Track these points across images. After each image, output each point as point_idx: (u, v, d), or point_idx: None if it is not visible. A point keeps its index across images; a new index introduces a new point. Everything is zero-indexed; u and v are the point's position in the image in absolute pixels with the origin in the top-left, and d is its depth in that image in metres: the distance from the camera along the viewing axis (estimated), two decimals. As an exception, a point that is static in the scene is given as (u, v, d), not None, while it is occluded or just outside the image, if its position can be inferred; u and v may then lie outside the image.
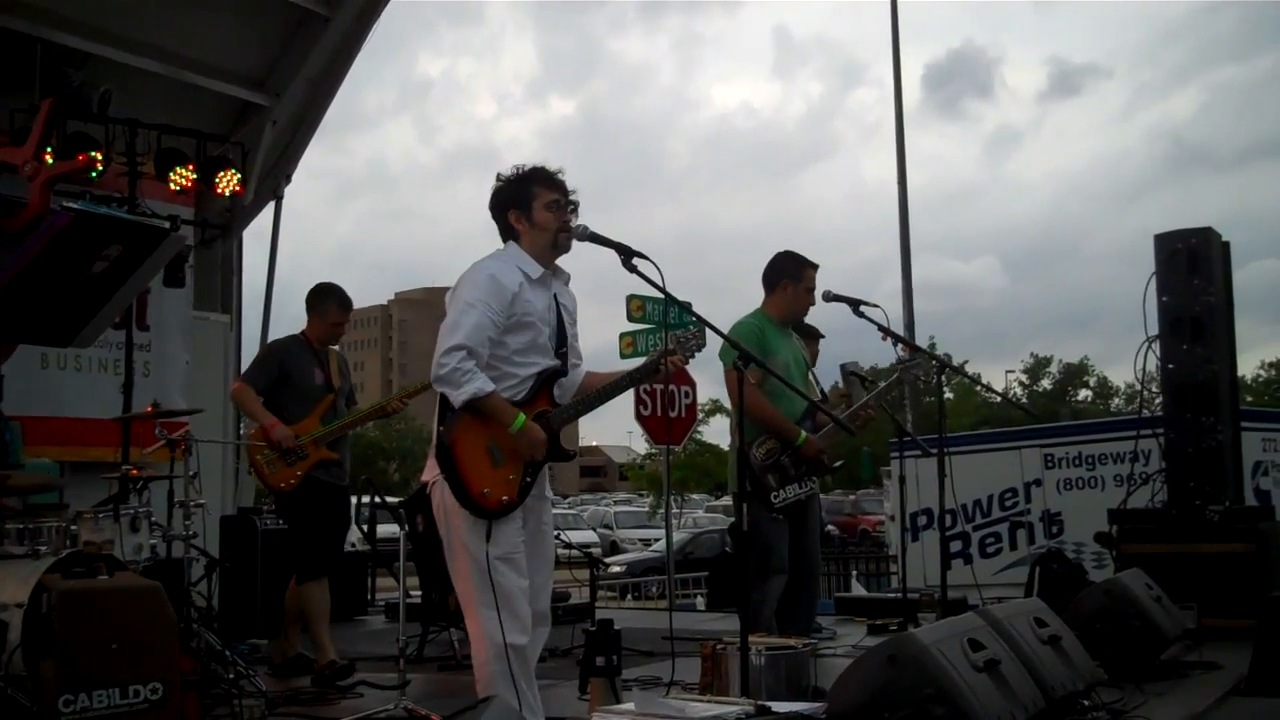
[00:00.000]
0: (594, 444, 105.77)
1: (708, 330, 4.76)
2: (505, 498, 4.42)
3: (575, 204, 4.72)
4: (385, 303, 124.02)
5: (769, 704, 4.12)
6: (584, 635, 5.39)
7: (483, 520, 4.38)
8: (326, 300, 7.18)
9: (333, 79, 10.79)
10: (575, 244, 4.65)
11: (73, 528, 5.84)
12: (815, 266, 6.71)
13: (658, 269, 4.48)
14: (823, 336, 7.98)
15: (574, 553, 8.81)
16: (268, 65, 10.52)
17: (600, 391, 4.73)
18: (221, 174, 9.45)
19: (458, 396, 4.33)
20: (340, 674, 6.73)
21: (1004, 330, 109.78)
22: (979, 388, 48.95)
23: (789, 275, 6.67)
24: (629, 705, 4.31)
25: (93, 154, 8.33)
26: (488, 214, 4.76)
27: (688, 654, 5.53)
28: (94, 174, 8.39)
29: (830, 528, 30.26)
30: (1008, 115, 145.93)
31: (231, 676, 5.74)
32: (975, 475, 10.20)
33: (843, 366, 6.87)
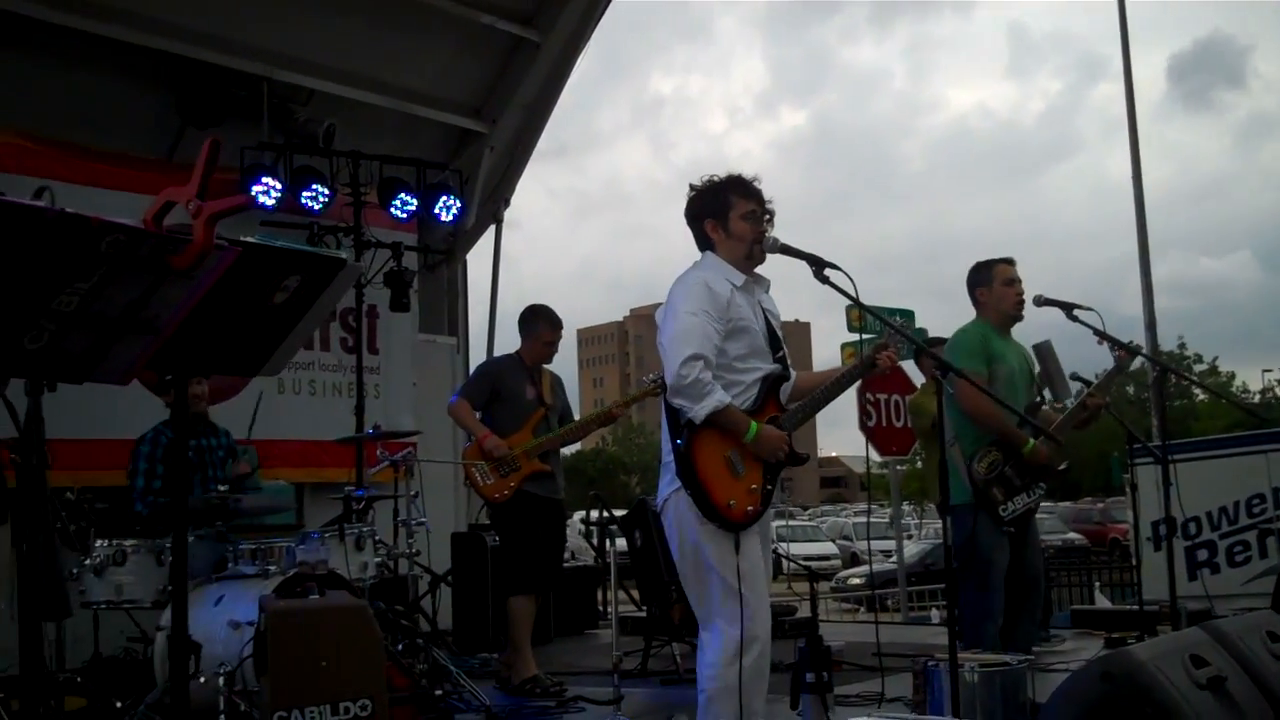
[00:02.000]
0: (833, 454, 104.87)
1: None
2: (750, 507, 4.39)
3: (771, 213, 4.66)
4: (621, 319, 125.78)
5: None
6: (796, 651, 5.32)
7: (730, 533, 4.35)
8: (536, 321, 7.28)
9: (546, 103, 10.99)
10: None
11: (301, 547, 6.09)
12: (1007, 261, 6.47)
13: (850, 279, 4.37)
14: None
15: (794, 565, 8.69)
16: (483, 93, 10.79)
17: (825, 391, 4.64)
18: (442, 200, 9.69)
19: (699, 410, 4.31)
20: (543, 689, 6.79)
21: (1260, 328, 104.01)
22: (1197, 388, 46.27)
23: (981, 283, 6.45)
24: (829, 723, 4.22)
25: (266, 184, 8.60)
26: None
27: (905, 670, 5.40)
28: (272, 204, 8.68)
29: (1075, 535, 29.22)
30: (1261, 103, 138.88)
31: (439, 692, 5.79)
32: (1220, 480, 9.66)
33: (1035, 347, 6.58)
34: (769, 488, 4.46)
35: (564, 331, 7.38)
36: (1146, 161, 19.17)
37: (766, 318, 4.66)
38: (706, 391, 4.30)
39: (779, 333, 4.73)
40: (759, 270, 4.68)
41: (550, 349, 7.34)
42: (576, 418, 7.51)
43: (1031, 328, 6.71)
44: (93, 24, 8.05)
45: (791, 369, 4.74)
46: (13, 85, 7.99)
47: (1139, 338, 13.90)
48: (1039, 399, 6.47)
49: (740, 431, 4.38)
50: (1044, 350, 6.41)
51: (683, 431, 4.38)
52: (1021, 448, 6.08)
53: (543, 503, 7.07)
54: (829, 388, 4.61)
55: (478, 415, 7.12)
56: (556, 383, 7.48)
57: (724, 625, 4.35)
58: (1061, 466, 6.40)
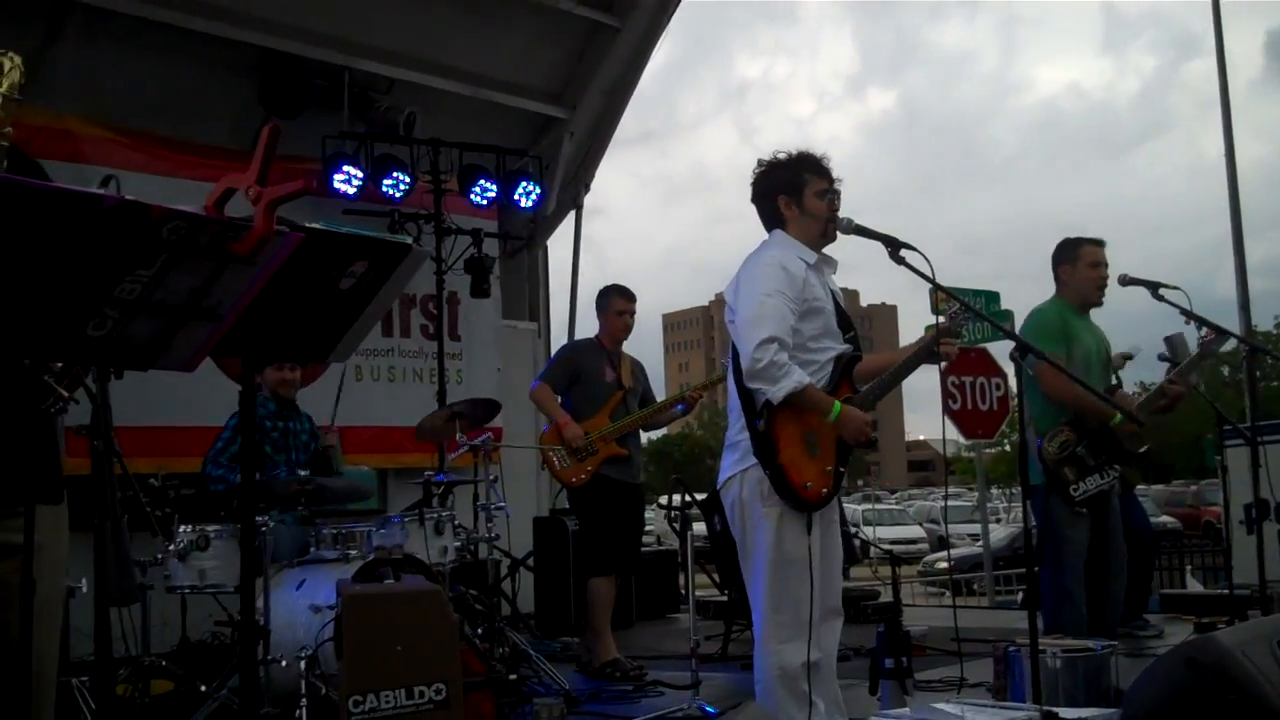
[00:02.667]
0: (920, 438, 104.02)
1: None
2: (825, 489, 4.37)
3: (838, 193, 4.61)
4: (706, 304, 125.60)
5: (1058, 709, 3.91)
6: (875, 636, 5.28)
7: (802, 514, 4.32)
8: (608, 296, 7.41)
9: (626, 88, 10.97)
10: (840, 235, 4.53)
11: (379, 532, 6.14)
12: (1095, 242, 6.36)
13: (926, 259, 4.30)
14: None
15: (873, 550, 8.61)
16: (563, 79, 10.79)
17: (891, 375, 4.58)
18: (522, 186, 9.71)
19: (777, 392, 4.26)
20: (623, 673, 6.81)
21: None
22: None
23: (1065, 260, 6.35)
24: (904, 710, 4.17)
25: (347, 173, 8.74)
26: None
27: (987, 655, 5.33)
28: (354, 192, 8.80)
29: (1167, 518, 28.68)
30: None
31: (514, 676, 5.80)
32: (1318, 462, 9.43)
33: (1168, 339, 6.44)
34: (841, 470, 4.42)
35: (650, 317, 7.39)
36: (1242, 140, 18.75)
37: (834, 298, 4.61)
38: (784, 373, 4.25)
39: (847, 313, 4.67)
40: (827, 250, 4.63)
41: (624, 319, 7.39)
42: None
43: (1116, 306, 6.59)
44: (179, 16, 8.16)
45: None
46: (97, 77, 8.11)
47: (1232, 319, 13.59)
48: (1115, 382, 6.36)
49: (823, 411, 4.33)
50: (1177, 343, 6.28)
51: (762, 412, 4.34)
52: (1108, 420, 5.97)
53: (620, 487, 7.15)
54: (894, 372, 4.55)
55: (558, 399, 7.17)
56: (637, 366, 7.54)
57: (778, 609, 4.33)
58: (1141, 449, 6.29)
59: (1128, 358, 6.58)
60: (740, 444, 4.46)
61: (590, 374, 7.24)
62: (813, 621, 4.24)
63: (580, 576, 7.66)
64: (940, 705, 4.20)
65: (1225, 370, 43.89)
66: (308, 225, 2.66)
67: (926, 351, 4.57)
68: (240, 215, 2.37)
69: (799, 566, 4.27)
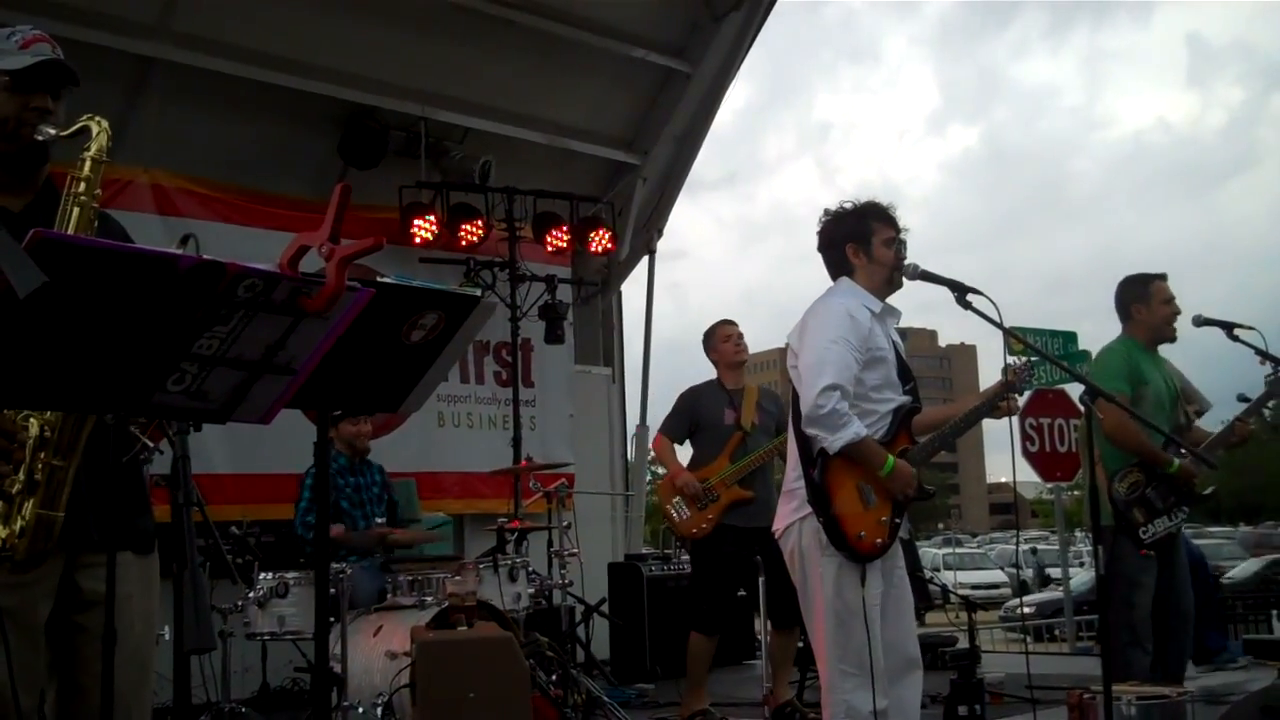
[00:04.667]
0: (1002, 480, 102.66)
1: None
2: (880, 540, 4.34)
3: (905, 242, 4.63)
4: (784, 345, 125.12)
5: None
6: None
7: (857, 565, 4.30)
8: (712, 331, 7.17)
9: (698, 132, 11.04)
10: (906, 282, 4.55)
11: (454, 579, 6.19)
12: (1162, 277, 6.29)
13: (994, 304, 4.29)
14: None
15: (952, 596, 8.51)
16: (635, 125, 10.89)
17: (953, 427, 4.61)
18: (595, 233, 9.79)
19: (835, 441, 4.27)
20: None
21: None
22: None
23: (1136, 299, 6.27)
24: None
25: (423, 222, 8.84)
26: None
27: (1060, 703, 5.26)
28: (430, 239, 8.88)
29: (1254, 561, 28.00)
30: None
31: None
32: None
33: (1270, 379, 6.36)
34: (897, 521, 4.40)
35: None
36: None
37: (896, 348, 4.61)
38: (844, 423, 4.26)
39: (907, 363, 4.68)
40: (891, 300, 4.64)
41: (732, 343, 7.10)
42: None
43: (1189, 346, 6.52)
44: (258, 72, 8.35)
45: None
46: (181, 133, 8.32)
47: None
48: (1185, 419, 6.28)
49: (876, 465, 4.33)
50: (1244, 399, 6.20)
51: (816, 460, 4.34)
52: (1166, 468, 5.91)
53: (745, 535, 6.65)
54: (954, 426, 4.57)
55: (674, 450, 6.96)
56: (767, 397, 7.14)
57: (840, 668, 4.29)
58: (1206, 491, 6.20)
59: (1199, 413, 6.49)
60: (797, 492, 4.46)
61: (710, 418, 6.92)
62: (874, 669, 4.21)
63: (658, 624, 7.57)
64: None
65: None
66: (379, 280, 2.72)
67: (988, 406, 4.57)
68: (313, 271, 2.43)
69: (859, 618, 4.25)
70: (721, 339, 7.10)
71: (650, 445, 7.30)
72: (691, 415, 6.96)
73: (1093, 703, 4.74)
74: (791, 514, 4.47)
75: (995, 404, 4.53)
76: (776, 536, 4.58)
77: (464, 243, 9.09)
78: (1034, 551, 31.77)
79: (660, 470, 8.05)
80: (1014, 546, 45.40)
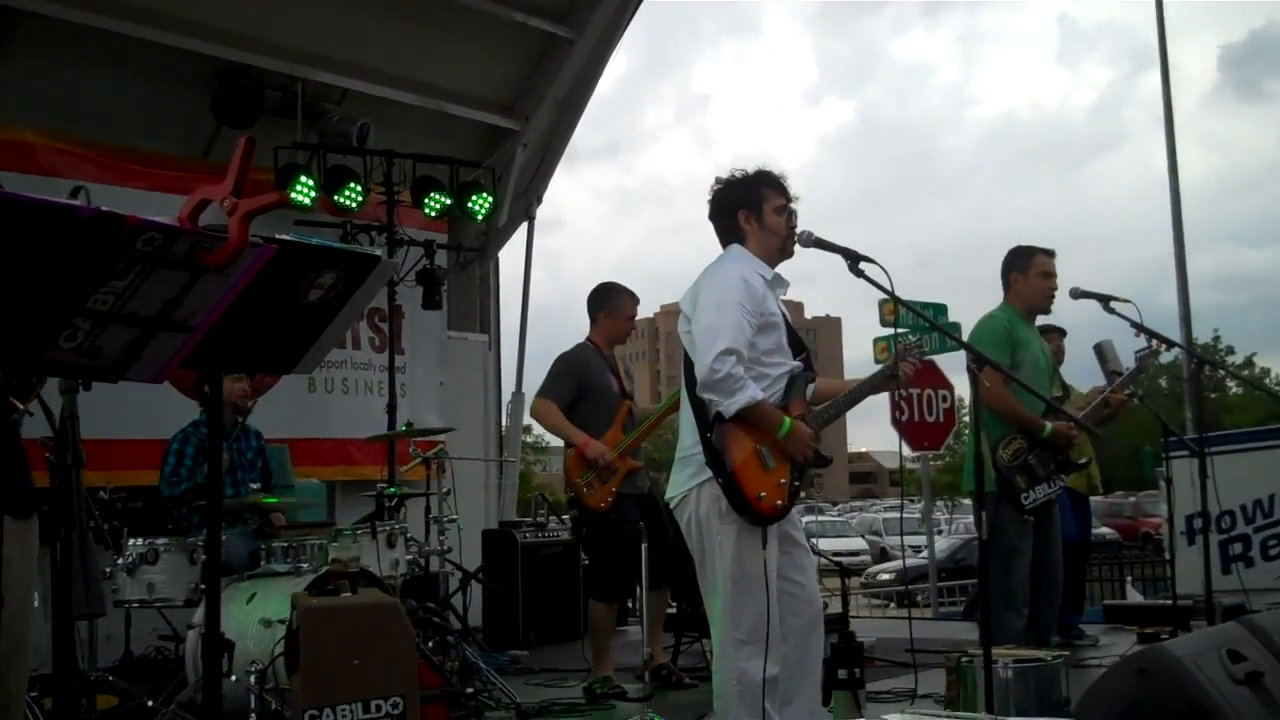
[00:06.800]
0: (863, 449, 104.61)
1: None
2: (779, 501, 4.37)
3: (795, 210, 4.66)
4: (652, 315, 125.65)
5: (1012, 719, 3.95)
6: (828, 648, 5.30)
7: (757, 530, 4.32)
8: (617, 295, 6.90)
9: (580, 100, 10.99)
10: (798, 249, 4.59)
11: (332, 544, 6.10)
12: (1047, 252, 6.47)
13: (885, 272, 4.35)
14: (1064, 333, 7.78)
15: (824, 561, 8.62)
16: (516, 90, 10.78)
17: (848, 396, 4.69)
18: (474, 198, 9.68)
19: (731, 405, 4.28)
20: (606, 690, 6.74)
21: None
22: (1231, 380, 46.06)
23: (1017, 268, 6.47)
24: (861, 721, 4.20)
25: (301, 184, 8.60)
26: None
27: (936, 666, 5.37)
28: (308, 203, 8.67)
29: (1106, 530, 28.96)
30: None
31: (470, 690, 5.75)
32: (1255, 473, 9.55)
33: (1096, 347, 6.57)
34: (796, 484, 4.44)
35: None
36: (1195, 153, 19.08)
37: (784, 317, 4.65)
38: (739, 387, 4.28)
39: (798, 333, 4.72)
40: (779, 269, 4.67)
41: (630, 325, 6.95)
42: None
43: (1066, 319, 6.71)
44: (129, 26, 8.07)
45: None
46: (49, 88, 8.04)
47: (1174, 331, 13.80)
48: (1061, 392, 6.47)
49: (773, 426, 4.35)
50: (1105, 349, 6.40)
51: (713, 425, 4.35)
52: (1040, 433, 6.08)
53: (634, 501, 6.64)
54: (852, 393, 4.66)
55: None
56: (625, 365, 7.04)
57: (737, 625, 4.34)
58: (1082, 461, 6.40)
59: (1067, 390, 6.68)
60: (694, 458, 4.46)
61: (599, 385, 6.67)
62: (770, 636, 4.26)
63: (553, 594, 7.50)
64: (892, 717, 4.23)
65: (1164, 382, 44.51)
66: (280, 237, 2.66)
67: (883, 377, 4.64)
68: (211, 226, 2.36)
69: (758, 583, 4.28)
70: (627, 315, 6.89)
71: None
72: (579, 380, 6.67)
73: (970, 666, 4.84)
74: (688, 480, 4.46)
75: (892, 374, 4.60)
76: (673, 506, 4.57)
77: (342, 205, 8.91)
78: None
79: (532, 438, 7.96)
80: (873, 515, 46.34)
